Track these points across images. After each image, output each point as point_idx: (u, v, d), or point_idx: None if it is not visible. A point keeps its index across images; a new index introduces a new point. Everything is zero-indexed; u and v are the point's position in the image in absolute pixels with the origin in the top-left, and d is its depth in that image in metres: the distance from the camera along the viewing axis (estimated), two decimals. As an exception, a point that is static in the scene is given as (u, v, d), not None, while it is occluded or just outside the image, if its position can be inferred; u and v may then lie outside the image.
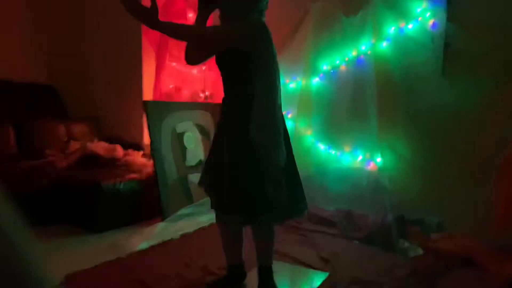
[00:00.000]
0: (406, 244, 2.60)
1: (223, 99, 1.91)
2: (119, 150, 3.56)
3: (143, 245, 2.60)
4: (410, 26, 2.87)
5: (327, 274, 2.21)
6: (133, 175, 3.12)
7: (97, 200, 2.87)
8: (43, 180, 3.06)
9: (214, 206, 1.95)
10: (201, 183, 1.99)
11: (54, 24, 4.45)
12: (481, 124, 2.60)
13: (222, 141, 1.88)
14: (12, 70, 4.17)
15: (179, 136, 3.33)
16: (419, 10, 2.82)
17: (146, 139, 3.72)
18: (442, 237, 2.62)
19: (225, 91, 1.90)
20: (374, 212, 2.92)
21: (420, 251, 2.53)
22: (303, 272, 2.26)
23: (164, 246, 2.62)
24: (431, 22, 2.78)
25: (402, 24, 2.89)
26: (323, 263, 2.36)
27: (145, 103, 3.13)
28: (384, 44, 2.97)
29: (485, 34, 2.57)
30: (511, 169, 2.34)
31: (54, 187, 3.03)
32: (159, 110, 3.21)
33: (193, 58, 1.92)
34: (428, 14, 2.79)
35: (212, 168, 1.92)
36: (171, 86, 3.60)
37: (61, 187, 3.02)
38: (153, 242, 2.66)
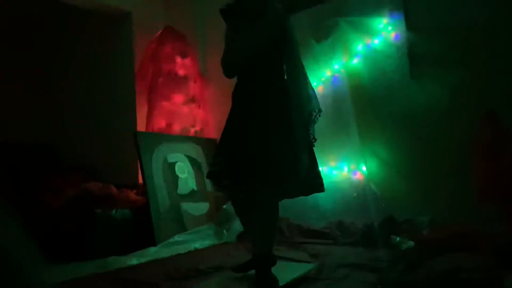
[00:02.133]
0: (398, 239, 2.57)
1: (244, 91, 1.99)
2: (113, 189, 3.64)
3: (133, 261, 2.58)
4: (376, 41, 3.12)
5: (316, 264, 2.18)
6: (127, 205, 3.18)
7: (91, 227, 2.89)
8: (37, 217, 3.11)
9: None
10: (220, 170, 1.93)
11: (51, 84, 4.78)
12: (450, 117, 2.73)
13: (256, 124, 1.91)
14: (10, 132, 4.40)
15: (171, 166, 3.44)
16: (381, 26, 3.09)
17: (141, 180, 3.81)
18: (434, 230, 2.60)
19: (248, 83, 1.99)
20: (365, 219, 2.92)
21: (412, 244, 2.50)
22: (291, 265, 2.23)
23: (155, 262, 2.59)
24: (393, 34, 3.03)
25: (368, 41, 3.15)
26: (313, 258, 2.33)
27: (136, 134, 3.29)
28: (355, 60, 3.21)
29: (441, 36, 2.80)
30: (482, 150, 2.43)
31: (48, 223, 3.06)
32: (150, 140, 3.36)
33: (233, 70, 2.03)
34: (389, 28, 3.05)
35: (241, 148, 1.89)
36: (162, 124, 3.78)
37: (55, 221, 3.06)
38: (143, 260, 2.64)
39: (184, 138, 3.74)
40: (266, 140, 1.88)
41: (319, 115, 2.04)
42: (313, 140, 2.01)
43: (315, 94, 2.06)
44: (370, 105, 3.13)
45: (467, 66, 2.68)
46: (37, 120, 4.72)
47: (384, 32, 3.08)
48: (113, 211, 3.01)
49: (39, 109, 4.75)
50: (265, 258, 1.90)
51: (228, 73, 2.04)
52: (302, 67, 2.04)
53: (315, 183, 1.97)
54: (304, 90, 1.99)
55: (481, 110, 2.36)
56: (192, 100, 3.96)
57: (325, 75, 3.35)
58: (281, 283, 1.83)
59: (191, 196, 3.49)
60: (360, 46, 3.19)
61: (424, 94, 2.87)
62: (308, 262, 2.27)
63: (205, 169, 3.74)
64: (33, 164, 4.24)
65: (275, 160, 1.85)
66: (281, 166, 1.84)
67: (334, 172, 3.25)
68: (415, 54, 2.92)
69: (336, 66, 3.28)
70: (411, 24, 2.95)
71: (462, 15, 2.73)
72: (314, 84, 3.38)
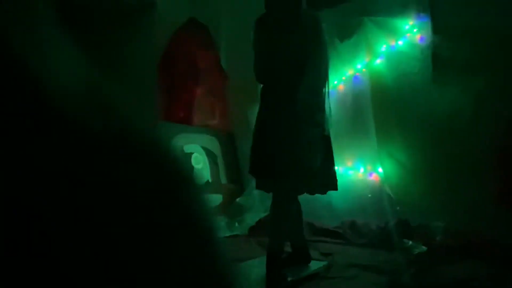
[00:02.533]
0: (410, 243, 2.55)
1: (272, 91, 2.04)
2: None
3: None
4: (400, 42, 3.08)
5: (326, 262, 2.19)
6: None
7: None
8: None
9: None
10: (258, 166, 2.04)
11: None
12: (473, 124, 2.68)
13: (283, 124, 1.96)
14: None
15: (187, 156, 3.47)
16: (407, 27, 3.05)
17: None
18: (448, 237, 2.57)
19: (277, 84, 2.02)
20: (379, 221, 2.90)
21: (425, 249, 2.47)
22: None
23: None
24: (418, 36, 2.99)
25: (392, 42, 3.11)
26: (324, 257, 2.33)
27: (155, 123, 3.33)
28: (378, 61, 3.18)
29: (468, 41, 2.74)
30: (503, 158, 2.40)
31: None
32: (168, 130, 3.40)
33: (264, 74, 2.06)
34: (415, 29, 3.00)
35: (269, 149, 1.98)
36: (181, 115, 3.81)
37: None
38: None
39: (201, 130, 3.77)
40: (280, 137, 1.94)
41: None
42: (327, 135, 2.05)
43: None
44: (391, 107, 3.10)
45: (492, 72, 2.62)
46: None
47: (409, 34, 3.03)
48: (129, 197, 3.07)
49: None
50: (271, 256, 1.92)
51: (262, 80, 2.08)
52: (327, 68, 2.06)
53: (329, 181, 1.99)
54: (325, 90, 2.01)
55: (504, 118, 2.32)
56: (211, 92, 3.98)
57: (346, 74, 3.32)
58: (290, 280, 1.84)
59: (205, 187, 3.52)
60: (383, 46, 3.15)
61: (446, 99, 2.82)
62: (319, 260, 2.27)
63: (220, 162, 3.77)
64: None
65: (285, 155, 1.90)
66: (288, 161, 1.89)
67: (350, 172, 3.24)
68: (439, 57, 2.87)
69: (358, 66, 3.26)
70: (437, 26, 2.90)
71: (491, 19, 2.67)
72: (335, 82, 3.39)
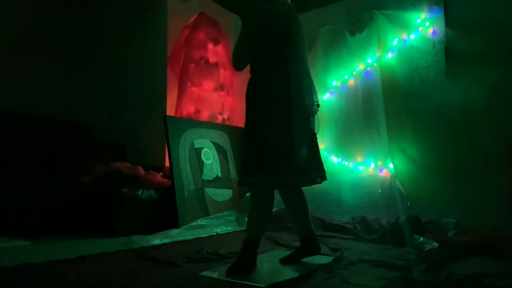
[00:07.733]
0: (421, 239, 2.52)
1: (253, 84, 2.10)
2: (141, 170, 3.73)
3: (156, 241, 2.65)
4: (412, 36, 3.04)
5: (339, 252, 2.19)
6: (153, 186, 3.26)
7: (117, 205, 2.97)
8: (68, 190, 3.20)
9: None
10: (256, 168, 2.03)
11: (89, 65, 4.90)
12: (485, 118, 2.65)
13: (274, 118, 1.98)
14: (48, 108, 4.53)
15: (197, 151, 3.49)
16: (419, 21, 3.01)
17: (167, 163, 3.87)
18: (460, 233, 2.54)
19: (255, 76, 2.10)
20: (389, 216, 2.88)
21: (436, 245, 2.45)
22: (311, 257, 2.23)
23: (177, 243, 2.65)
24: (431, 30, 2.95)
25: (404, 36, 3.07)
26: (333, 252, 2.32)
27: (165, 117, 3.34)
28: (389, 55, 3.14)
29: (481, 34, 2.70)
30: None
31: (77, 196, 3.16)
32: (178, 125, 3.41)
33: (241, 63, 2.14)
34: (427, 23, 2.96)
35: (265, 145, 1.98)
36: (191, 110, 3.82)
37: (85, 196, 3.16)
38: (166, 241, 2.70)
39: (211, 125, 3.78)
40: (263, 132, 1.96)
41: (318, 109, 2.04)
42: (313, 133, 2.04)
43: (315, 88, 2.08)
44: (402, 102, 3.07)
45: (506, 66, 2.58)
46: (72, 98, 4.84)
47: (421, 28, 3.00)
48: (140, 191, 3.09)
49: (74, 88, 4.87)
50: (248, 244, 1.99)
51: (235, 66, 2.15)
52: (306, 61, 2.06)
53: (315, 174, 2.00)
54: (306, 84, 2.01)
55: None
56: (221, 87, 3.98)
57: (357, 68, 3.29)
58: (297, 275, 1.84)
59: (215, 182, 3.53)
60: (395, 40, 3.12)
61: (459, 93, 2.79)
62: (329, 255, 2.26)
63: (230, 157, 3.77)
64: (67, 140, 4.36)
65: (269, 151, 1.92)
66: (275, 157, 1.91)
67: (361, 167, 3.21)
68: (452, 51, 2.84)
69: (369, 60, 3.22)
70: (450, 20, 2.86)
71: (505, 13, 2.62)
72: (345, 77, 3.37)
